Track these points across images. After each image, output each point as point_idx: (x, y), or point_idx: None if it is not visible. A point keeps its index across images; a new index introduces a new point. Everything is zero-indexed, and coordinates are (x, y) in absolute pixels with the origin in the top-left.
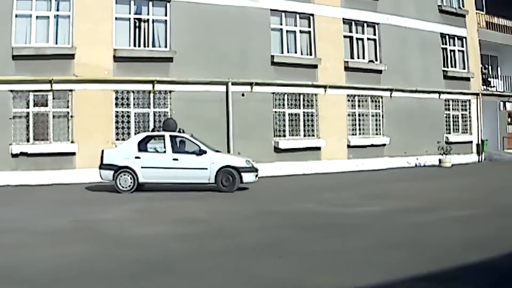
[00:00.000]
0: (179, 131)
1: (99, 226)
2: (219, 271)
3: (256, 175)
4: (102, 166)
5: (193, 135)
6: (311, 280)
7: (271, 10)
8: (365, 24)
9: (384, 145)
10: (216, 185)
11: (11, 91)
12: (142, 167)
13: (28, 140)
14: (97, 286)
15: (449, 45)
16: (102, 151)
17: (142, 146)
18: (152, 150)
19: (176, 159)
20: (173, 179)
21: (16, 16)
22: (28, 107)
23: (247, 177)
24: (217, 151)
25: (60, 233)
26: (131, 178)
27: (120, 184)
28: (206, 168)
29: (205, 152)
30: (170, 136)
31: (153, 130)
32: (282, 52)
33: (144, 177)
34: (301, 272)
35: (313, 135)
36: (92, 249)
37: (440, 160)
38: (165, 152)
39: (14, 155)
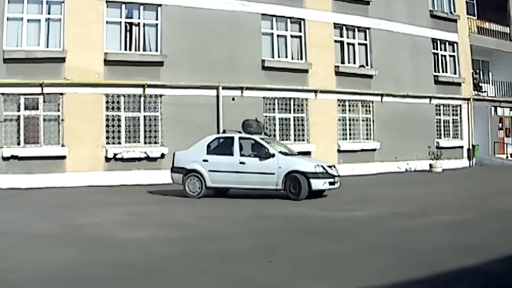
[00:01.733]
0: (265, 134)
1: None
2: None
3: (332, 182)
4: (173, 169)
5: (271, 136)
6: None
7: (262, 14)
8: (356, 29)
9: (374, 150)
10: (286, 192)
11: (2, 94)
12: (209, 171)
13: (19, 144)
14: None
15: (440, 50)
16: (174, 154)
17: (211, 148)
18: (220, 153)
19: (243, 163)
20: (239, 184)
21: (7, 19)
22: (19, 111)
23: (317, 184)
24: (293, 153)
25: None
26: (199, 182)
27: (188, 188)
28: (273, 173)
29: (272, 155)
30: (240, 137)
31: (223, 132)
32: (273, 57)
33: (212, 181)
34: (291, 277)
35: (303, 140)
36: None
37: (430, 165)
38: (232, 155)
39: (5, 158)
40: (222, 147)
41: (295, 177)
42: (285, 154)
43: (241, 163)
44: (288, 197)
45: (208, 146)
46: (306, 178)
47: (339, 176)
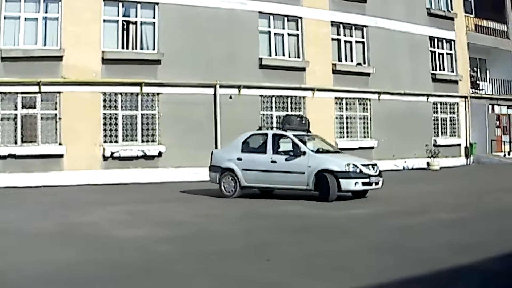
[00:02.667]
0: (308, 131)
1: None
2: None
3: (367, 182)
4: (210, 168)
5: (310, 133)
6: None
7: (259, 12)
8: (353, 27)
9: (372, 148)
10: (317, 192)
11: (0, 93)
12: (243, 170)
13: (16, 142)
14: None
15: (438, 48)
16: (212, 152)
17: (246, 146)
18: (254, 151)
19: (274, 161)
20: (271, 184)
21: (4, 17)
22: (16, 109)
23: (347, 184)
24: (334, 151)
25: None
26: (233, 182)
27: (224, 187)
28: (303, 173)
29: (303, 153)
30: (273, 134)
31: (259, 129)
32: (270, 55)
33: (246, 180)
34: (289, 276)
35: None
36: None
37: (428, 163)
38: (265, 153)
39: (2, 157)
40: (257, 145)
41: (324, 176)
42: (320, 151)
43: (272, 161)
44: (319, 198)
45: (243, 143)
46: (336, 178)
47: (378, 175)
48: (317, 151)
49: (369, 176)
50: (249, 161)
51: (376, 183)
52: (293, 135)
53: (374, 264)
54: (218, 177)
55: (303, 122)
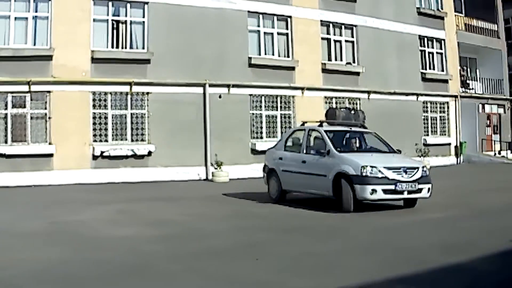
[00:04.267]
0: (362, 126)
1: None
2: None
3: (389, 190)
4: (263, 168)
5: (364, 129)
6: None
7: (248, 12)
8: (342, 26)
9: None
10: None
11: None
12: (282, 171)
13: (6, 142)
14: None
15: (428, 47)
16: (267, 150)
17: (289, 144)
18: (292, 149)
19: (304, 161)
20: (302, 188)
21: None
22: (6, 108)
23: (362, 191)
24: (379, 151)
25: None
26: (277, 184)
27: (270, 189)
28: (325, 175)
29: (327, 152)
30: (310, 130)
31: (302, 124)
32: (260, 54)
33: (283, 183)
34: (278, 275)
35: None
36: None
37: None
38: (299, 152)
39: None
40: (296, 142)
41: (339, 181)
42: (351, 151)
43: (303, 161)
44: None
45: (286, 141)
46: (351, 183)
47: (417, 181)
48: (357, 150)
49: (396, 182)
50: (287, 161)
51: (413, 192)
52: (326, 130)
53: (363, 263)
54: (266, 178)
55: (354, 115)
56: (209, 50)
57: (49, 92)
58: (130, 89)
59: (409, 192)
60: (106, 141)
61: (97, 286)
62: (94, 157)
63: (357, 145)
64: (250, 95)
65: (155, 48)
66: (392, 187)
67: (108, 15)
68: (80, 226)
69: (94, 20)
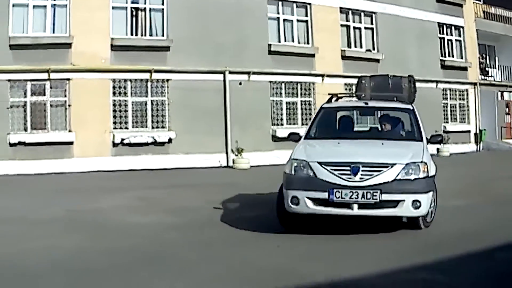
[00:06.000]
0: (410, 100)
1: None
2: None
3: (323, 200)
4: None
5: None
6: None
7: None
8: (362, 13)
9: None
10: None
11: (9, 80)
12: None
13: (26, 130)
14: (90, 277)
15: (447, 34)
16: None
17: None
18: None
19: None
20: None
21: (13, 5)
22: (25, 97)
23: (286, 199)
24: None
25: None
26: None
27: None
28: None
29: (298, 140)
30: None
31: (330, 98)
32: (280, 41)
33: None
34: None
35: None
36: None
37: (438, 149)
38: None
39: (12, 145)
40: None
41: None
42: (332, 137)
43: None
44: None
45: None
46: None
47: (370, 189)
48: (347, 136)
49: (332, 188)
50: None
51: (370, 206)
52: (325, 107)
53: (385, 250)
54: None
55: (393, 83)
56: (228, 37)
57: (68, 79)
58: (150, 76)
59: (362, 206)
60: (127, 128)
61: (114, 274)
62: (115, 145)
63: (368, 127)
64: (270, 82)
65: (174, 35)
66: (325, 195)
67: (127, 2)
68: (99, 213)
69: (113, 7)
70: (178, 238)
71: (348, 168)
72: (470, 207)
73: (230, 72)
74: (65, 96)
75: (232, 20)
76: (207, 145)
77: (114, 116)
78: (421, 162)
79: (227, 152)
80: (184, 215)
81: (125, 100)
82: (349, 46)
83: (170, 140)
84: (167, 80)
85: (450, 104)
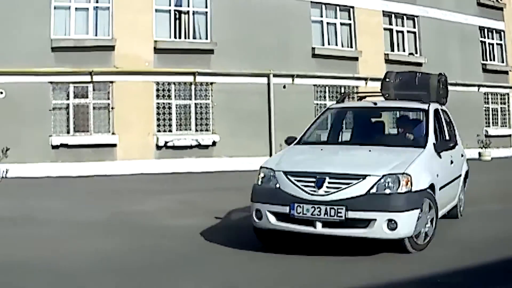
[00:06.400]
0: (438, 100)
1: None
2: None
3: (284, 215)
4: None
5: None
6: None
7: (311, 2)
8: (404, 17)
9: None
10: None
11: (51, 82)
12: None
13: (68, 132)
14: (134, 279)
15: (487, 38)
16: None
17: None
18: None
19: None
20: None
21: (54, 7)
22: (68, 99)
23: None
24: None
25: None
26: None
27: None
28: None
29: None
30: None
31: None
32: (323, 45)
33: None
34: None
35: None
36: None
37: (479, 154)
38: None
39: (54, 147)
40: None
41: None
42: (323, 142)
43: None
44: None
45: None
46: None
47: (334, 204)
48: (344, 142)
49: (294, 201)
50: None
51: (336, 224)
52: (333, 108)
53: (423, 254)
54: None
55: (420, 81)
56: (272, 41)
57: (111, 82)
58: (194, 79)
59: (327, 225)
60: (170, 131)
61: (154, 275)
62: (158, 147)
63: (376, 131)
64: (314, 85)
65: (218, 38)
66: (286, 210)
67: (170, 5)
68: (141, 216)
69: (156, 10)
70: (219, 241)
71: (314, 179)
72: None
73: (274, 75)
74: (108, 98)
75: (275, 23)
76: (250, 148)
77: (158, 119)
78: (402, 174)
79: (270, 155)
80: (225, 218)
81: (169, 103)
82: (392, 49)
83: (214, 143)
84: (211, 83)
85: (492, 108)
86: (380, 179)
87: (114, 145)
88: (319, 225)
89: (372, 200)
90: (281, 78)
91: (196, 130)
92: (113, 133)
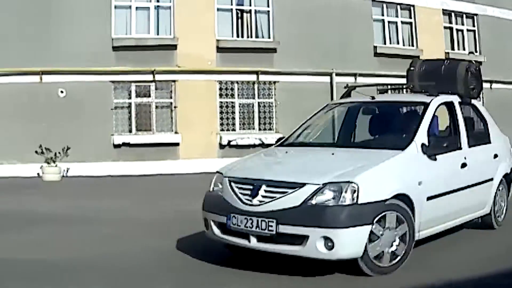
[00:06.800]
0: (468, 95)
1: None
2: None
3: (223, 227)
4: None
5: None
6: None
7: (372, 1)
8: (464, 15)
9: None
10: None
11: (112, 82)
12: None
13: (130, 131)
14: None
15: None
16: None
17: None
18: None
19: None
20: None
21: (115, 7)
22: (130, 98)
23: None
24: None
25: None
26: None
27: None
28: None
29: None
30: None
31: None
32: (385, 43)
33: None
34: None
35: None
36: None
37: None
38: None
39: (116, 146)
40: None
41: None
42: (312, 143)
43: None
44: None
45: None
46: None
47: (265, 216)
48: (333, 143)
49: (230, 212)
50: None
51: (268, 239)
52: (341, 103)
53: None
54: None
55: (447, 69)
56: (334, 39)
57: (174, 81)
58: (257, 78)
59: (261, 239)
60: (234, 130)
61: (213, 274)
62: (221, 146)
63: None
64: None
65: (281, 37)
66: (223, 219)
67: (232, 4)
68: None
69: (218, 9)
70: None
71: (251, 187)
72: None
73: (337, 74)
74: (171, 97)
75: (337, 22)
76: None
77: (221, 118)
78: (347, 182)
79: None
80: None
81: (232, 102)
82: (452, 48)
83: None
84: (274, 82)
85: None
86: (319, 189)
87: (177, 144)
88: (253, 239)
89: (306, 213)
90: (343, 77)
91: (260, 129)
92: (176, 132)
